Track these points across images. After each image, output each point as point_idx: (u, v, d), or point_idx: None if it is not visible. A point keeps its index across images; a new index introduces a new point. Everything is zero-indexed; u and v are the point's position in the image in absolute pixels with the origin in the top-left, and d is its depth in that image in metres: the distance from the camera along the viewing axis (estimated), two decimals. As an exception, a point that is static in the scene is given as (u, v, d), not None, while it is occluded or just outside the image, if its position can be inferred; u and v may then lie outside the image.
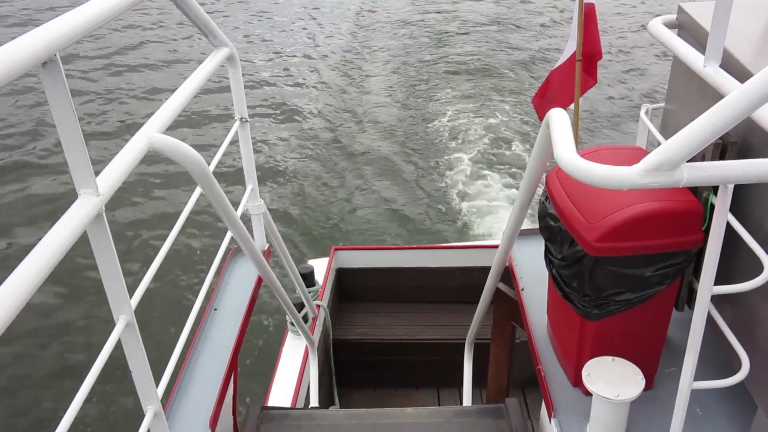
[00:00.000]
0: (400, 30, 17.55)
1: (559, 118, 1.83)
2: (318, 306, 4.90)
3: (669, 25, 2.83)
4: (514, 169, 10.02)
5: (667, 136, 2.89)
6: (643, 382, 2.17)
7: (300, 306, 4.44)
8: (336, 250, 5.64)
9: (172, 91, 2.26)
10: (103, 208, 1.54)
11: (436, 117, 12.01)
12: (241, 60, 2.97)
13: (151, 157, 1.87)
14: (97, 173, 1.55)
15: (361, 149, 10.86)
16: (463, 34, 17.16)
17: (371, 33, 17.34)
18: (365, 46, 16.14)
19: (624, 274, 2.19)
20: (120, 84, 13.28)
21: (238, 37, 16.60)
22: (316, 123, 11.85)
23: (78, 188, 1.50)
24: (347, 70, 14.47)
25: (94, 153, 1.61)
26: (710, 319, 1.92)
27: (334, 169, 10.34)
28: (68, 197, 8.70)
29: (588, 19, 5.42)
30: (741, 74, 2.18)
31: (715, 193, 1.84)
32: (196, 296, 2.47)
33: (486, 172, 9.98)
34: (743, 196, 2.23)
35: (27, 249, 1.31)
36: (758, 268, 1.93)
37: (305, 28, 17.61)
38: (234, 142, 3.05)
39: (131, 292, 1.78)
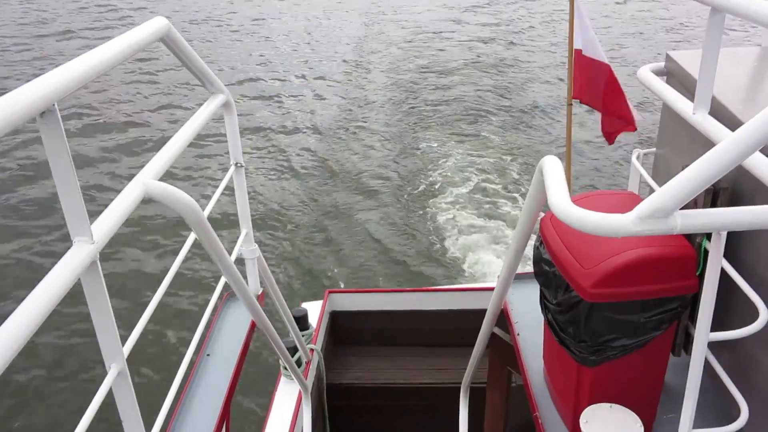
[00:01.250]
0: (394, 75, 17.84)
1: (552, 165, 1.85)
2: (311, 350, 4.84)
3: (658, 73, 2.89)
4: (507, 212, 10.06)
5: (658, 181, 2.92)
6: (642, 429, 2.14)
7: (293, 350, 4.39)
8: (330, 293, 5.60)
9: (169, 136, 2.28)
10: (98, 255, 1.54)
11: (429, 160, 12.11)
12: (236, 104, 3.00)
13: (146, 202, 1.88)
14: (91, 220, 1.55)
15: (355, 193, 10.92)
16: (459, 77, 17.43)
17: (365, 78, 17.60)
18: (359, 92, 16.36)
19: (620, 319, 2.18)
20: (116, 130, 13.37)
21: (234, 82, 16.81)
22: (310, 167, 11.92)
23: (73, 236, 1.50)
24: (341, 115, 14.64)
25: (88, 198, 1.62)
26: (708, 365, 1.91)
27: (329, 212, 10.36)
28: (63, 243, 8.66)
29: (610, 82, 5.25)
30: (730, 121, 2.22)
31: (709, 239, 1.84)
32: (190, 342, 2.44)
33: (479, 215, 10.01)
34: (736, 241, 2.25)
35: (20, 297, 1.30)
36: (754, 313, 1.93)
37: (302, 75, 17.87)
38: (229, 186, 3.06)
39: (124, 339, 1.76)
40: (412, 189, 11.01)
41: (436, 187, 10.97)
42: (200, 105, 2.63)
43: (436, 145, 12.77)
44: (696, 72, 2.32)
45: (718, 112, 2.32)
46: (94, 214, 1.56)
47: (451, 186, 10.94)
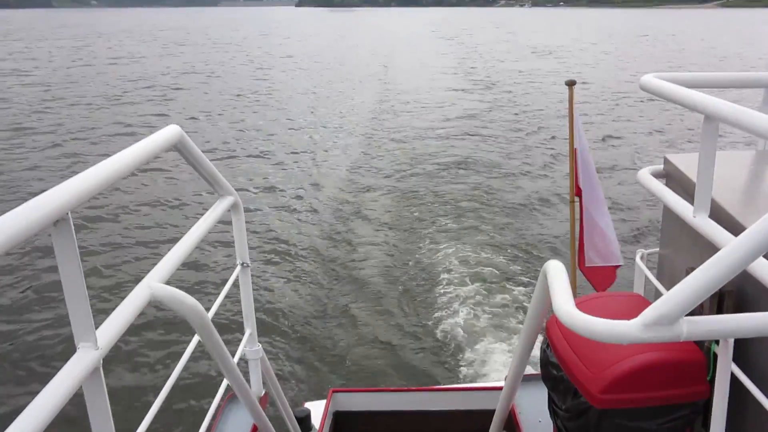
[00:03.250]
0: (396, 171, 18.21)
1: (555, 270, 1.86)
2: None
3: (656, 175, 2.95)
4: (514, 310, 9.97)
5: (663, 282, 2.92)
6: None
7: (295, 454, 4.24)
8: (334, 392, 5.46)
9: (177, 237, 2.31)
10: (101, 362, 1.53)
11: (431, 256, 12.13)
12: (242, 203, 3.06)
13: (151, 303, 1.89)
14: (96, 323, 1.55)
15: (359, 291, 10.88)
16: (460, 173, 17.78)
17: (367, 175, 17.96)
18: (363, 189, 16.64)
19: (631, 426, 2.13)
20: (124, 231, 13.47)
21: (241, 181, 17.16)
22: (315, 265, 11.96)
23: (77, 342, 1.50)
24: (345, 212, 14.83)
25: (92, 300, 1.62)
26: None
27: (333, 310, 10.30)
28: (66, 345, 8.52)
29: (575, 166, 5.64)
30: (731, 225, 2.25)
31: (717, 342, 1.83)
32: None
33: (485, 312, 9.91)
34: (746, 345, 2.22)
35: (22, 404, 1.29)
36: None
37: (308, 173, 18.24)
38: (234, 285, 3.07)
39: None
40: (416, 286, 10.98)
41: (441, 284, 10.93)
42: (206, 202, 2.69)
43: (440, 240, 12.84)
44: (694, 175, 2.37)
45: (719, 215, 2.35)
46: (97, 317, 1.57)
47: (455, 284, 10.90)
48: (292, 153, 20.86)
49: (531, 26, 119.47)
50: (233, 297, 3.30)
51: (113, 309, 1.72)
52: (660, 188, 2.75)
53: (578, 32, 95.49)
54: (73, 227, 1.41)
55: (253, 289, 3.33)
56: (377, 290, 10.85)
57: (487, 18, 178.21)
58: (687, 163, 2.87)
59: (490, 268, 11.44)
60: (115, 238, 13.17)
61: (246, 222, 3.16)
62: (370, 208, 15.12)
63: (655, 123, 24.55)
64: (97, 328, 1.55)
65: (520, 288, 10.67)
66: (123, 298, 1.80)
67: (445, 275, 11.25)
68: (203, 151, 2.53)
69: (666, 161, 3.06)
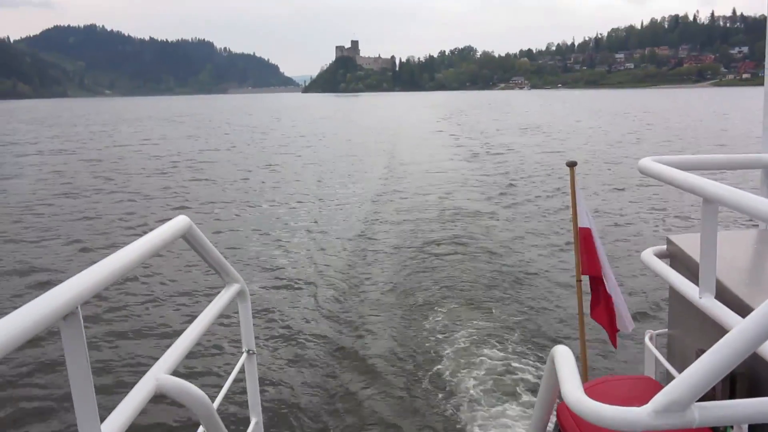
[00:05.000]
0: (400, 250, 18.25)
1: (563, 356, 1.85)
2: None
3: (660, 255, 2.96)
4: (523, 394, 9.75)
5: (674, 364, 2.88)
6: None
7: None
8: None
9: (183, 327, 2.31)
10: None
11: (437, 338, 11.97)
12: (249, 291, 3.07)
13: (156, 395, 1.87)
14: (101, 417, 1.54)
15: (365, 376, 10.69)
16: (464, 258, 17.74)
17: (371, 255, 18.00)
18: (366, 269, 16.63)
19: None
20: (129, 320, 13.36)
21: (246, 265, 17.19)
22: (321, 351, 11.80)
23: None
24: (351, 295, 14.76)
25: (96, 390, 1.61)
26: None
27: (341, 396, 10.09)
28: None
29: (586, 243, 5.64)
30: (738, 306, 2.24)
31: (732, 426, 1.79)
32: None
33: (494, 397, 9.69)
34: (761, 429, 2.17)
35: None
36: None
37: (310, 257, 18.28)
38: (240, 373, 3.05)
39: None
40: (424, 370, 10.78)
41: (448, 368, 10.74)
42: (212, 288, 2.71)
43: (444, 323, 12.70)
44: (697, 255, 2.38)
45: (724, 295, 2.35)
46: (102, 408, 1.56)
47: (462, 367, 10.70)
48: (299, 233, 21.05)
49: (537, 108, 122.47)
50: (239, 385, 3.27)
51: (118, 397, 1.71)
52: (664, 269, 2.75)
53: (578, 113, 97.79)
54: (82, 321, 1.42)
55: (259, 377, 3.29)
56: (385, 376, 10.66)
57: (486, 100, 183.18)
58: (689, 244, 2.89)
59: (499, 352, 11.26)
60: (121, 326, 13.05)
61: (252, 304, 3.16)
62: (375, 289, 15.06)
63: (655, 201, 24.72)
64: (102, 421, 1.54)
65: (531, 372, 10.47)
66: (129, 388, 1.79)
67: (451, 358, 11.06)
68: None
69: (669, 242, 3.08)
